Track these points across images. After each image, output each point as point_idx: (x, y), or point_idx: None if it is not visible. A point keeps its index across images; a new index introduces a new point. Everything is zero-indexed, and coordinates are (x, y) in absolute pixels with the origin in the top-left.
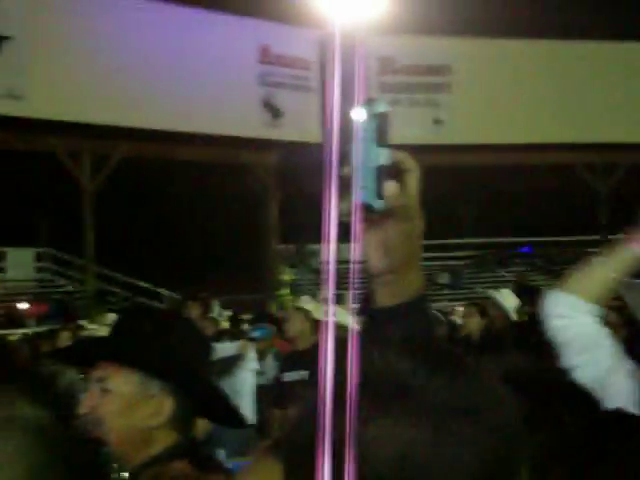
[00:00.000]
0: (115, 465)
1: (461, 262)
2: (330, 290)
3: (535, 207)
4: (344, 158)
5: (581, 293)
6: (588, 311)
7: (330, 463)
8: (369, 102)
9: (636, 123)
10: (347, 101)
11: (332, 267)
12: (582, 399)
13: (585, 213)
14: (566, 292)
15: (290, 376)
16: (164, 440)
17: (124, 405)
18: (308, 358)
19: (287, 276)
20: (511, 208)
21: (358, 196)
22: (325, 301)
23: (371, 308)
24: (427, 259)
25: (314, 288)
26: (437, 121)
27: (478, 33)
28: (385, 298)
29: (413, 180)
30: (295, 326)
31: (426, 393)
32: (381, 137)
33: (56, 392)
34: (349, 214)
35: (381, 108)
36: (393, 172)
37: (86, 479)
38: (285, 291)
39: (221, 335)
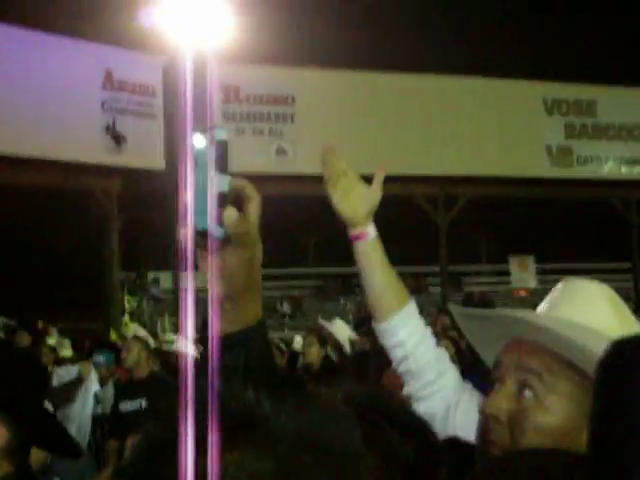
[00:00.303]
0: None
1: (303, 291)
2: (188, 318)
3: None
4: (186, 185)
5: (387, 310)
6: (414, 332)
7: None
8: (209, 129)
9: (476, 156)
10: (195, 129)
11: (188, 295)
12: (417, 428)
13: (425, 244)
14: (379, 321)
15: (126, 406)
16: None
17: None
18: (145, 387)
19: (127, 304)
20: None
21: (198, 222)
22: (164, 330)
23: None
24: (269, 288)
25: (155, 316)
26: (280, 150)
27: (322, 64)
28: (223, 326)
29: (254, 208)
30: (132, 355)
31: (272, 423)
32: (221, 164)
33: None
34: (188, 240)
35: (221, 135)
36: (233, 199)
37: None
38: (125, 319)
39: (62, 361)
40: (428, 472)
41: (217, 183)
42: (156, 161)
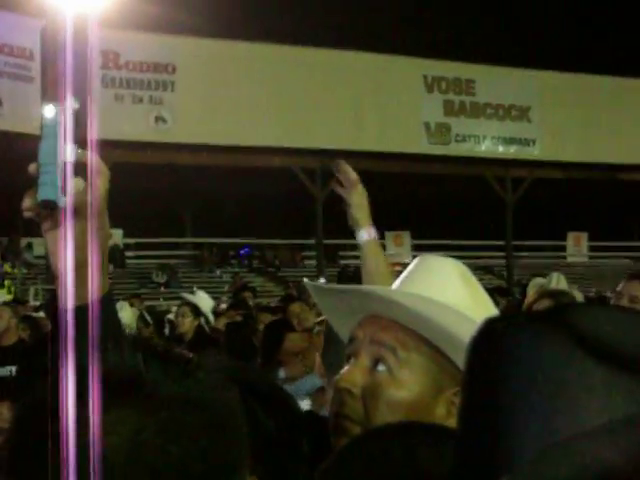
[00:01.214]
0: None
1: (179, 261)
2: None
3: (254, 209)
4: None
5: None
6: None
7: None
8: (62, 99)
9: (355, 130)
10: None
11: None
12: (279, 400)
13: (301, 217)
14: None
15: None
16: None
17: None
18: (14, 354)
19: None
20: (230, 209)
21: (41, 192)
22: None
23: (56, 309)
24: (144, 257)
25: (28, 282)
26: (159, 119)
27: (203, 33)
28: (65, 299)
29: (103, 183)
30: (2, 321)
31: (158, 386)
32: (70, 134)
33: None
34: (32, 210)
35: (71, 105)
36: (81, 170)
37: None
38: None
39: None
40: (289, 443)
41: (64, 153)
42: (32, 125)
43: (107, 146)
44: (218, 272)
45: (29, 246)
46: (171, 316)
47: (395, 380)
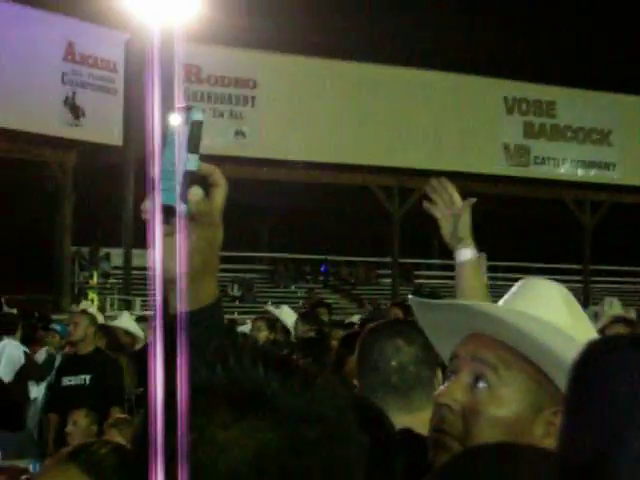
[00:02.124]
0: None
1: (254, 275)
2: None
3: (331, 226)
4: (154, 161)
5: None
6: None
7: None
8: (184, 108)
9: (434, 150)
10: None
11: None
12: (373, 416)
13: (378, 235)
14: None
15: (69, 380)
16: None
17: None
18: (89, 363)
19: (77, 278)
20: (306, 225)
21: (163, 198)
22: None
23: (166, 315)
24: (220, 270)
25: (105, 292)
26: (239, 133)
27: (286, 49)
28: (178, 305)
29: (220, 194)
30: (80, 330)
31: (280, 400)
32: (192, 144)
33: None
34: (151, 214)
35: (196, 116)
36: (200, 179)
37: None
38: (74, 293)
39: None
40: (384, 461)
41: (186, 161)
42: (114, 136)
43: None
44: (293, 287)
45: (107, 256)
46: (243, 328)
47: (495, 398)
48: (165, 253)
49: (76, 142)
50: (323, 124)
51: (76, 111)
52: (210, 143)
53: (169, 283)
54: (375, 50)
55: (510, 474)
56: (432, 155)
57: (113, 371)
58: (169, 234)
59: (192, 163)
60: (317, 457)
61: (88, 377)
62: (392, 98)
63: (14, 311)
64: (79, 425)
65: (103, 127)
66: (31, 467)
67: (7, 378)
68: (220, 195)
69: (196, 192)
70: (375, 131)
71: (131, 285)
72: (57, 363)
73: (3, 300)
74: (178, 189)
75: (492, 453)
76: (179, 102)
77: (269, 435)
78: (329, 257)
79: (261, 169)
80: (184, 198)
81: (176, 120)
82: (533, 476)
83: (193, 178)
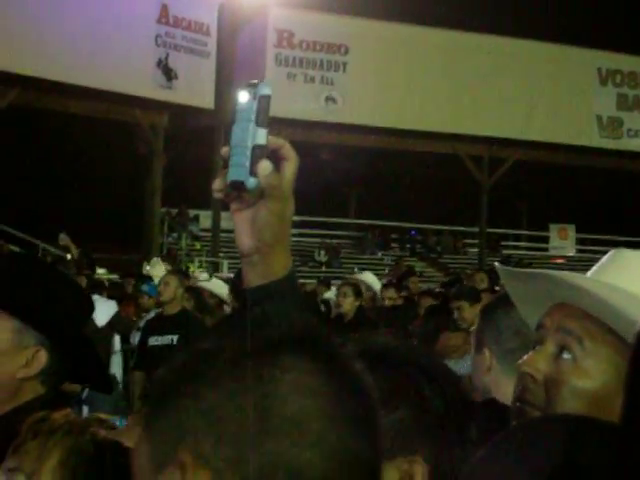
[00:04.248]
0: None
1: (341, 241)
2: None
3: (419, 194)
4: (227, 137)
5: None
6: None
7: None
8: (253, 84)
9: (526, 120)
10: (243, 71)
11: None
12: (449, 381)
13: (466, 204)
14: None
15: (156, 340)
16: (30, 392)
17: None
18: (176, 323)
19: (165, 240)
20: (394, 193)
21: (231, 173)
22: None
23: (241, 287)
24: (308, 235)
25: (193, 254)
26: (329, 99)
27: (377, 16)
28: (254, 278)
29: (290, 168)
30: (170, 290)
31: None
32: (261, 118)
33: None
34: (222, 191)
35: (264, 91)
36: (270, 153)
37: None
38: (162, 255)
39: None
40: (458, 425)
41: (255, 136)
42: (205, 100)
43: (277, 124)
44: (380, 254)
45: (195, 218)
46: (327, 295)
47: (579, 369)
48: (237, 228)
49: (168, 104)
50: (414, 92)
51: (169, 73)
52: (301, 108)
53: (242, 257)
54: (468, 18)
55: (579, 448)
56: (523, 125)
57: (199, 332)
58: (240, 209)
59: (261, 137)
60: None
61: (175, 337)
62: (485, 67)
63: (103, 270)
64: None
65: (195, 90)
66: (118, 423)
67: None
68: (290, 169)
69: (265, 166)
70: (466, 99)
71: (219, 247)
72: (142, 323)
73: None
74: (248, 164)
75: (568, 424)
76: (269, 66)
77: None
78: (416, 225)
79: (351, 135)
80: (254, 172)
81: (244, 96)
82: (604, 454)
83: (262, 152)
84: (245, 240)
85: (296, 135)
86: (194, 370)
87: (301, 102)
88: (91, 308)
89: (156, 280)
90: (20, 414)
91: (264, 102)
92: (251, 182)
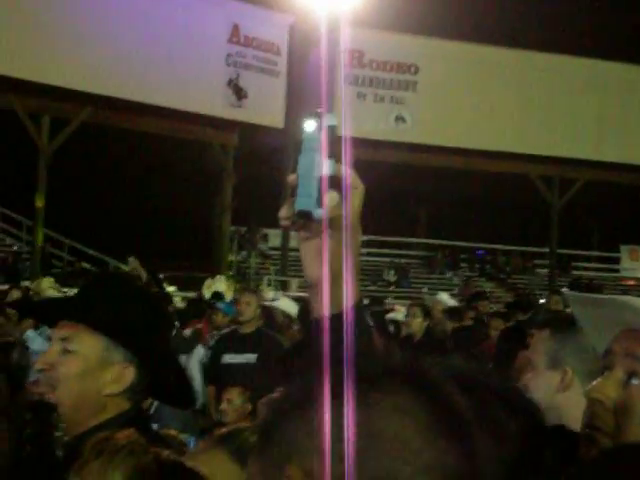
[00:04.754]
0: (61, 429)
1: (410, 261)
2: None
3: (488, 214)
4: (294, 165)
5: None
6: None
7: None
8: (320, 114)
9: (597, 141)
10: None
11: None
12: (525, 407)
13: (536, 225)
14: None
15: (232, 358)
16: (115, 408)
17: (85, 368)
18: (253, 342)
19: (234, 258)
20: (464, 212)
21: (298, 203)
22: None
23: (308, 317)
24: (376, 255)
25: (261, 272)
26: (399, 118)
27: (448, 35)
28: (321, 307)
29: (357, 198)
30: (251, 309)
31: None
32: (328, 149)
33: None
34: (289, 219)
35: (331, 121)
36: (337, 183)
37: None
38: (231, 273)
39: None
40: (533, 452)
41: (323, 166)
42: (275, 119)
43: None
44: (449, 274)
45: (265, 237)
46: (394, 315)
47: None
48: (304, 257)
49: (238, 123)
50: (484, 111)
51: (239, 92)
52: (370, 128)
53: (309, 286)
54: (539, 38)
55: None
56: (594, 145)
57: (277, 352)
58: (307, 239)
59: (328, 168)
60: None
61: (252, 356)
62: (556, 87)
63: (172, 288)
64: (233, 403)
65: (265, 109)
66: (190, 442)
67: None
68: (357, 199)
69: (332, 197)
70: (537, 120)
71: (288, 266)
72: (212, 341)
73: (162, 277)
74: (315, 194)
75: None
76: (341, 86)
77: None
78: (485, 245)
79: (421, 155)
80: (321, 203)
81: (311, 126)
82: None
83: (330, 182)
84: (312, 269)
85: (366, 154)
86: (301, 397)
87: (371, 121)
88: (172, 325)
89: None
90: (104, 430)
91: (331, 133)
92: (318, 213)
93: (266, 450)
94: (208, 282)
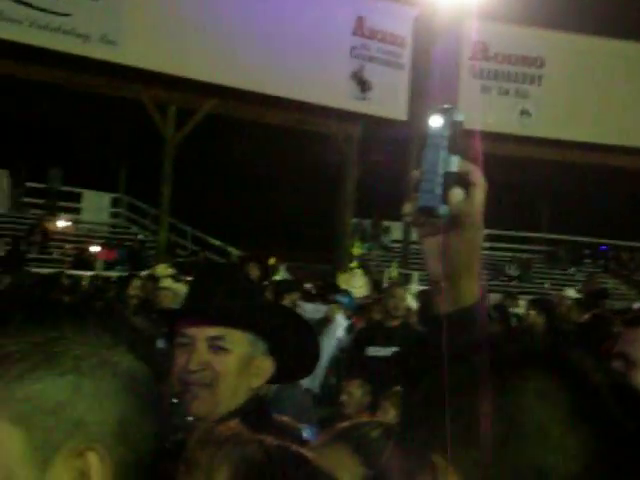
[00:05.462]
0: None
1: (532, 256)
2: None
3: (611, 210)
4: (417, 161)
5: None
6: None
7: None
8: (445, 109)
9: None
10: (437, 83)
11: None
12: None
13: None
14: None
15: (377, 351)
16: (243, 397)
17: (240, 364)
18: (401, 335)
19: (357, 250)
20: (588, 207)
21: (422, 199)
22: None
23: (428, 314)
24: (499, 249)
25: (383, 265)
26: (524, 112)
27: (574, 28)
28: (443, 304)
29: (480, 194)
30: (398, 301)
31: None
32: (454, 145)
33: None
34: (412, 215)
35: (457, 117)
36: (461, 180)
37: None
38: (353, 265)
39: (309, 297)
40: None
41: (447, 163)
42: (399, 111)
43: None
44: (572, 270)
45: (387, 229)
46: (517, 310)
47: None
48: (426, 254)
49: (361, 115)
50: (610, 105)
51: (363, 85)
52: (494, 121)
53: (431, 283)
54: None
55: None
56: None
57: (422, 346)
58: (430, 235)
59: (453, 164)
60: None
61: (393, 350)
62: None
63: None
64: (353, 395)
65: (389, 101)
66: (305, 433)
67: None
68: (479, 195)
69: (457, 193)
70: None
71: (410, 259)
72: (338, 332)
73: (284, 267)
74: (439, 191)
75: None
76: (463, 79)
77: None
78: (610, 241)
79: (545, 149)
80: (445, 199)
81: (436, 121)
82: None
83: (454, 179)
84: (434, 266)
85: (489, 148)
86: (448, 388)
87: (495, 115)
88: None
89: (354, 291)
90: (232, 418)
91: (457, 128)
92: (443, 209)
93: (409, 437)
94: (345, 276)
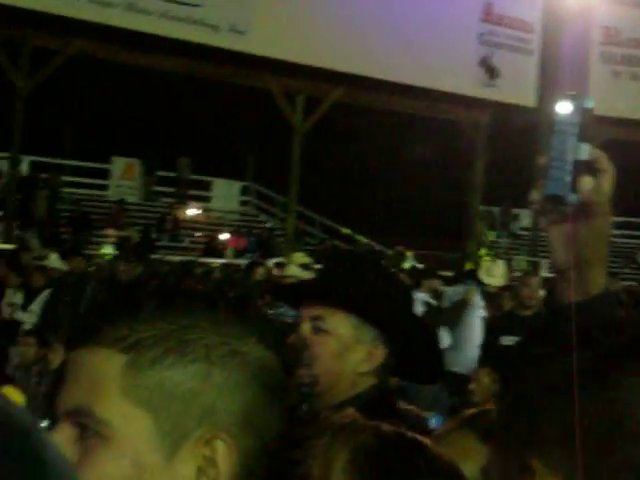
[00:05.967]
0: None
1: None
2: None
3: None
4: (545, 147)
5: None
6: None
7: None
8: (575, 96)
9: None
10: (567, 69)
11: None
12: None
13: None
14: None
15: (511, 340)
16: (363, 385)
17: (339, 347)
18: (533, 325)
19: (486, 237)
20: None
21: (549, 187)
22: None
23: (553, 303)
24: (628, 237)
25: (511, 252)
26: None
27: None
28: (569, 293)
29: (608, 181)
30: (537, 293)
31: None
32: (584, 133)
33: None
34: (539, 202)
35: (587, 104)
36: (590, 168)
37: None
38: (483, 252)
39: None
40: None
41: (577, 150)
42: (528, 98)
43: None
44: None
45: (516, 217)
46: None
47: None
48: (552, 242)
49: (490, 102)
50: None
51: (492, 71)
52: (626, 107)
53: (558, 272)
54: None
55: None
56: None
57: (550, 337)
58: (556, 223)
59: (583, 152)
60: None
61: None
62: None
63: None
64: (482, 383)
65: (517, 88)
66: (433, 421)
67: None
68: (607, 182)
69: (587, 181)
70: None
71: (539, 246)
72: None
73: (411, 254)
74: (568, 179)
75: None
76: (593, 64)
77: None
78: None
79: None
80: (574, 188)
81: (565, 107)
82: None
83: (584, 167)
84: (561, 255)
85: (619, 134)
86: (545, 386)
87: (626, 100)
88: (413, 302)
89: (494, 280)
90: (350, 406)
91: (586, 115)
92: (572, 198)
93: (508, 439)
94: (486, 265)
